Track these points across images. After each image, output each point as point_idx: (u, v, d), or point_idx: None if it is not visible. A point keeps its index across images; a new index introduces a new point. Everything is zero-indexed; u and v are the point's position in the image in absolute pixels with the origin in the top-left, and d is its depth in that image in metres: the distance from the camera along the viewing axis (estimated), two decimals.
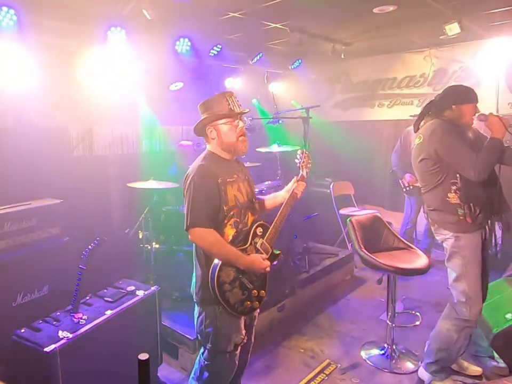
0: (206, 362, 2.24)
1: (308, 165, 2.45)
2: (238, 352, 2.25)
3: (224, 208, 2.09)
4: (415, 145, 2.76)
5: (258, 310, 2.37)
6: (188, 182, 2.09)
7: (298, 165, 2.44)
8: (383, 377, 3.05)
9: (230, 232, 2.13)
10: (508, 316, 2.98)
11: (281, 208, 2.31)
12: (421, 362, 2.99)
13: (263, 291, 2.23)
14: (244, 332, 2.24)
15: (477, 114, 2.61)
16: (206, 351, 2.22)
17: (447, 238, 2.68)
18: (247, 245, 2.16)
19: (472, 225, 2.58)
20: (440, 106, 2.69)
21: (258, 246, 2.20)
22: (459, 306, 2.66)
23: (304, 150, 2.47)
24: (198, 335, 2.24)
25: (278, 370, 3.16)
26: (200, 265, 2.17)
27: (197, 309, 2.24)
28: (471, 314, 2.61)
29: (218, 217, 2.10)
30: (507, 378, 2.50)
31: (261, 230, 2.23)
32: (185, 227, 2.07)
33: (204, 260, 2.13)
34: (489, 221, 2.68)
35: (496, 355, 3.01)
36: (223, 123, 2.16)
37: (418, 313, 3.75)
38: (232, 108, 2.16)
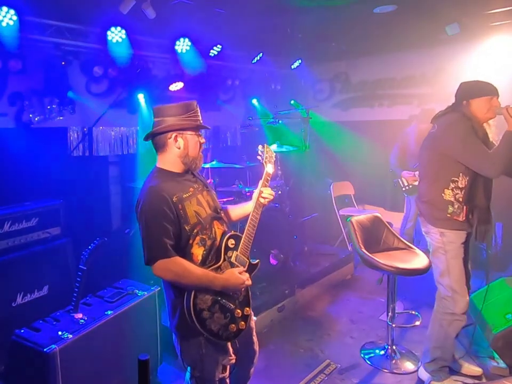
0: None
1: (272, 159, 2.25)
2: (228, 375, 2.07)
3: (186, 228, 1.88)
4: (428, 133, 2.78)
5: (254, 318, 2.20)
6: (139, 210, 1.87)
7: (261, 161, 2.23)
8: (383, 378, 3.05)
9: (198, 252, 1.92)
10: (508, 316, 2.98)
11: (251, 214, 2.10)
12: (421, 363, 2.99)
13: (247, 308, 2.03)
14: (231, 352, 2.04)
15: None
16: (194, 379, 2.01)
17: (432, 233, 2.71)
18: (220, 262, 1.95)
19: (459, 225, 2.61)
20: (456, 103, 2.69)
21: (232, 260, 2.00)
22: (445, 301, 2.71)
23: (265, 144, 2.27)
24: (183, 363, 2.01)
25: (278, 370, 3.16)
26: (173, 292, 1.94)
27: (176, 339, 2.01)
28: (457, 308, 2.65)
29: (181, 239, 1.88)
30: (507, 379, 2.50)
31: (233, 242, 2.02)
32: (145, 262, 1.85)
33: (176, 286, 1.91)
34: (480, 227, 2.69)
35: (496, 355, 3.01)
36: (193, 134, 1.98)
37: (418, 313, 3.74)
38: (201, 121, 2.01)
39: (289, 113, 4.92)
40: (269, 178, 2.22)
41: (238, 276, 1.94)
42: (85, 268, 2.56)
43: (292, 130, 6.02)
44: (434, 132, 2.71)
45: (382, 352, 3.29)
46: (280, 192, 4.43)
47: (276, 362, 3.26)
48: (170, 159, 1.99)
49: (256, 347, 2.28)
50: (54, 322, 2.45)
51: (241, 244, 2.04)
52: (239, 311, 1.98)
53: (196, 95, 5.32)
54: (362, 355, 3.31)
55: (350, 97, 6.66)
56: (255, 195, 2.17)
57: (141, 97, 4.86)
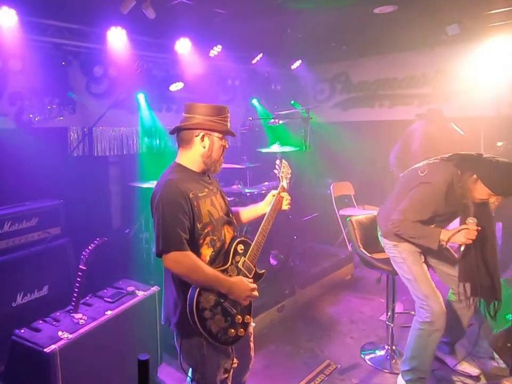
0: None
1: (288, 175, 2.32)
2: (229, 378, 2.06)
3: (198, 226, 1.89)
4: (414, 169, 2.82)
5: (253, 324, 2.20)
6: (156, 200, 1.86)
7: (278, 175, 2.30)
8: (383, 378, 3.05)
9: (207, 252, 1.92)
10: (508, 316, 2.98)
11: (262, 223, 2.11)
12: (400, 370, 2.91)
13: (248, 316, 2.01)
14: (233, 355, 2.03)
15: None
16: (195, 382, 1.99)
17: (387, 247, 2.84)
18: (227, 265, 1.95)
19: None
20: (465, 164, 2.53)
21: (240, 265, 1.99)
22: (422, 310, 2.68)
23: (283, 160, 2.34)
24: (182, 366, 1.97)
25: (278, 370, 3.16)
26: (178, 292, 1.92)
27: (177, 339, 1.98)
28: (433, 315, 2.61)
29: (193, 236, 1.88)
30: (507, 379, 2.50)
31: (242, 248, 2.02)
32: (156, 252, 1.85)
33: (182, 285, 1.89)
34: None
35: (496, 355, 3.01)
36: (219, 137, 2.00)
37: None
38: (229, 127, 2.04)
39: (289, 113, 4.92)
40: (284, 191, 2.27)
41: (246, 282, 1.94)
42: (85, 268, 2.56)
43: (292, 130, 6.02)
44: (423, 176, 2.64)
45: (382, 352, 3.29)
46: None
47: (276, 362, 3.26)
48: (192, 157, 2.00)
49: (252, 353, 2.26)
50: (54, 323, 2.44)
51: (250, 251, 2.04)
52: (240, 317, 1.96)
53: (196, 95, 5.32)
54: (362, 355, 3.31)
55: (350, 97, 6.65)
56: (268, 200, 2.22)
57: (141, 97, 4.87)
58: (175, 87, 4.95)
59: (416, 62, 5.77)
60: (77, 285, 2.55)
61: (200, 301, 1.83)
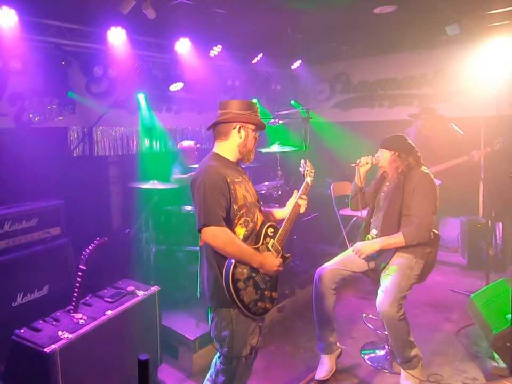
0: (222, 366, 2.21)
1: (311, 174, 2.59)
2: (253, 356, 2.23)
3: (234, 207, 2.11)
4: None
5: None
6: (198, 183, 2.09)
7: (302, 173, 2.58)
8: (383, 378, 3.05)
9: (240, 231, 2.15)
10: (508, 316, 2.98)
11: (289, 213, 2.36)
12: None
13: (274, 293, 2.22)
14: (259, 332, 2.23)
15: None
16: (222, 355, 2.19)
17: None
18: (259, 244, 2.18)
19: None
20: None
21: (269, 246, 2.21)
22: None
23: (307, 160, 2.62)
24: (214, 340, 2.21)
25: (278, 370, 3.16)
26: (212, 268, 2.12)
27: (211, 313, 2.20)
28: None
29: (229, 216, 2.10)
30: (507, 379, 2.50)
31: (272, 231, 2.26)
32: (197, 227, 2.06)
33: (217, 261, 2.10)
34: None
35: (496, 356, 3.01)
36: (254, 129, 2.25)
37: None
38: (261, 120, 2.29)
39: (289, 113, 4.92)
40: (308, 188, 2.56)
41: (274, 258, 2.18)
42: (85, 268, 2.56)
43: (292, 130, 6.02)
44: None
45: (382, 352, 3.29)
46: (280, 192, 4.43)
47: (276, 362, 3.26)
48: (228, 147, 2.24)
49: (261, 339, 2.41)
50: (54, 322, 2.44)
51: (278, 234, 2.26)
52: (267, 292, 2.17)
53: (196, 95, 5.32)
54: (362, 355, 3.31)
55: (350, 97, 6.66)
56: (294, 198, 2.46)
57: (141, 97, 4.87)
58: (175, 87, 4.95)
59: (416, 62, 5.78)
60: (77, 285, 2.55)
61: (236, 272, 2.05)
